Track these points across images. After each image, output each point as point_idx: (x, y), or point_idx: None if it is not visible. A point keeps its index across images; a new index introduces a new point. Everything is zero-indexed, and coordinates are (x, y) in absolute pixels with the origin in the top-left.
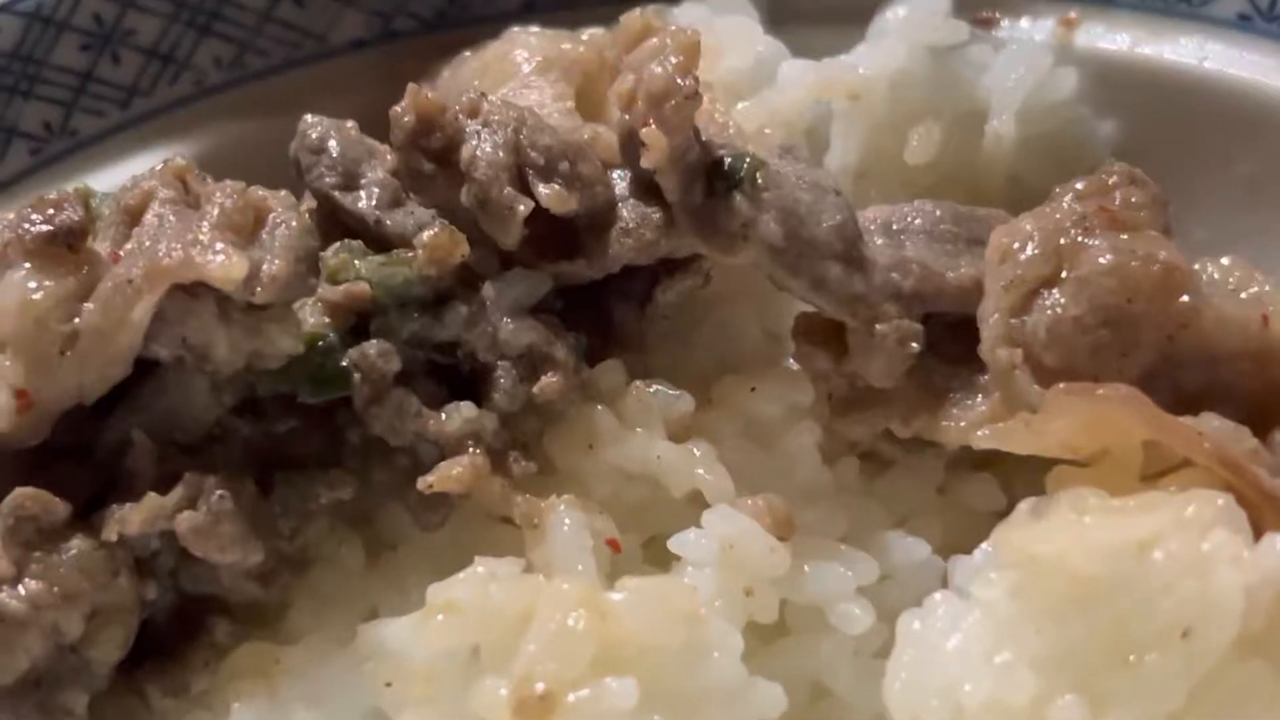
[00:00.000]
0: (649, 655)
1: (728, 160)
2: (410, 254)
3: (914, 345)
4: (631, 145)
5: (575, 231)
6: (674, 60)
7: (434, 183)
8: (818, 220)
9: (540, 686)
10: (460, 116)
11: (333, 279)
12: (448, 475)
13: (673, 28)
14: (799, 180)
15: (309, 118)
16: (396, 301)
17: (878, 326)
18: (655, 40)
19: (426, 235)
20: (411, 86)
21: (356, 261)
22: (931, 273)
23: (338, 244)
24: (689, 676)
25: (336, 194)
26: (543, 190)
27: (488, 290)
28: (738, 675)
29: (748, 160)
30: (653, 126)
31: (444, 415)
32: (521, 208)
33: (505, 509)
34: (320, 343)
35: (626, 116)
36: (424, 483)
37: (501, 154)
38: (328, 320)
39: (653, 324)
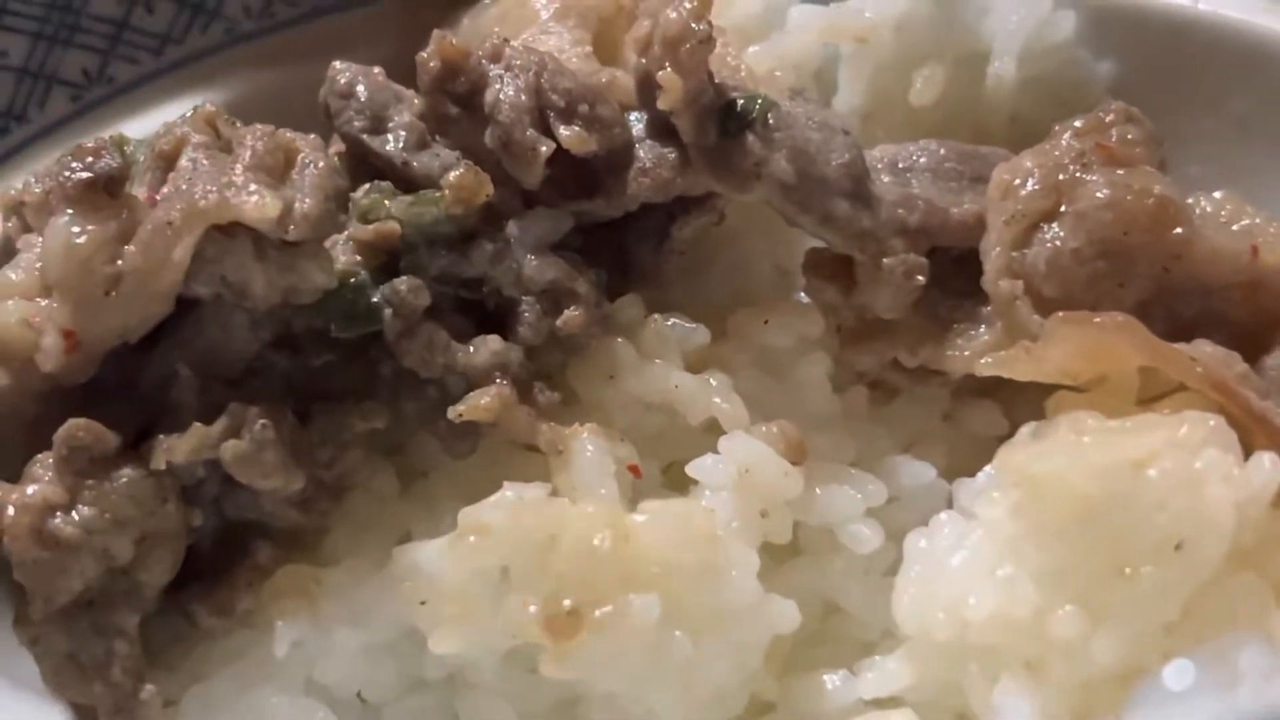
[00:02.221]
0: (670, 574)
1: (740, 101)
2: (437, 194)
3: (919, 278)
4: (648, 88)
5: (594, 171)
6: (688, 6)
7: (459, 125)
8: (827, 159)
9: (568, 603)
10: (483, 61)
11: (363, 218)
12: (476, 404)
13: None
14: (809, 120)
15: (337, 64)
16: (425, 239)
17: (885, 260)
18: None
19: (453, 175)
20: (437, 33)
21: (386, 201)
22: (936, 208)
23: (368, 185)
24: (708, 594)
25: (365, 137)
26: (563, 132)
27: (511, 228)
28: (754, 592)
29: (759, 101)
30: (669, 70)
31: (471, 348)
32: (543, 149)
33: (531, 437)
34: (352, 279)
35: (643, 60)
36: (454, 412)
37: (523, 97)
38: (359, 258)
39: (669, 260)
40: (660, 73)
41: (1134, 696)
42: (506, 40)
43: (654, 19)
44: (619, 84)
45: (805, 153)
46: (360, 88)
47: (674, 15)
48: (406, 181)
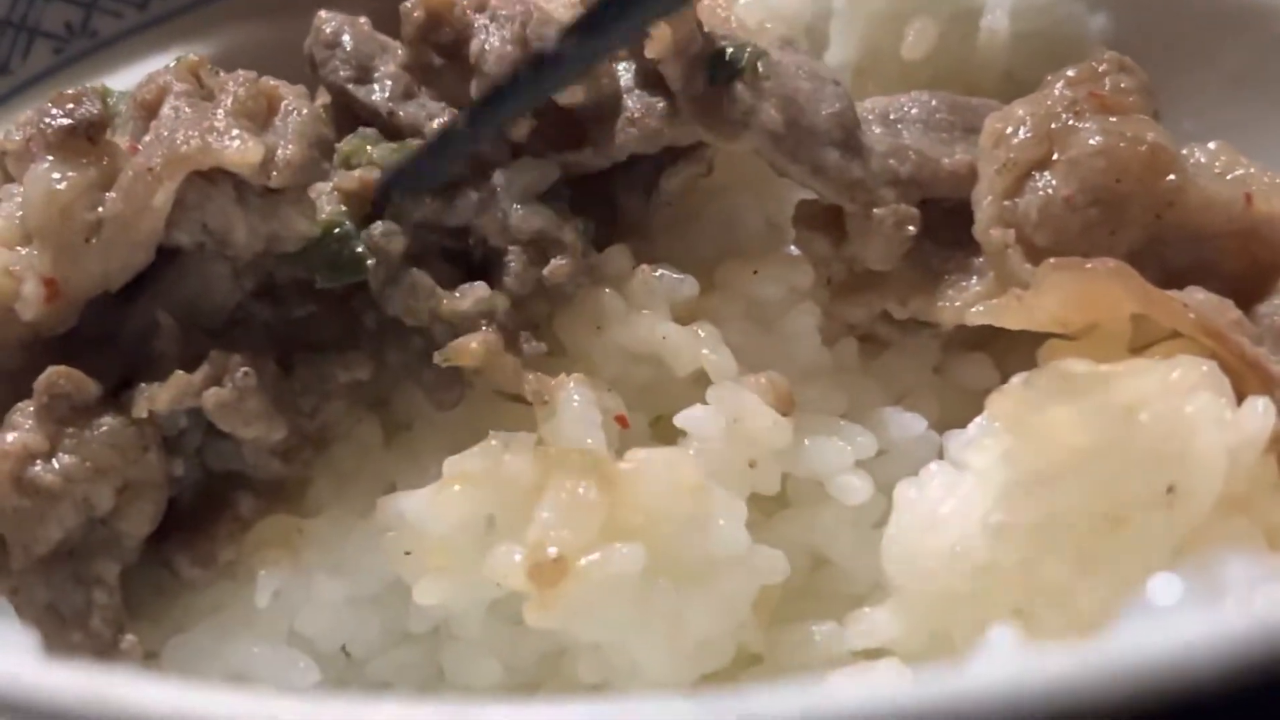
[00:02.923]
0: (656, 523)
1: (729, 50)
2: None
3: (911, 228)
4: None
5: (582, 122)
6: None
7: (444, 76)
8: (817, 108)
9: (553, 551)
10: (468, 11)
11: (346, 165)
12: (463, 349)
13: None
14: (799, 70)
15: (323, 14)
16: None
17: (875, 211)
18: None
19: (436, 123)
20: None
21: (369, 147)
22: (927, 159)
23: (352, 134)
24: (694, 543)
25: (350, 87)
26: None
27: (498, 178)
28: (742, 542)
29: (749, 50)
30: None
31: (457, 294)
32: None
33: (517, 385)
34: (336, 229)
35: None
36: (440, 356)
37: (509, 48)
38: (344, 208)
39: (658, 211)
40: None
41: (1119, 613)
42: None
43: None
44: None
45: (795, 102)
46: (345, 37)
47: None
48: (392, 131)
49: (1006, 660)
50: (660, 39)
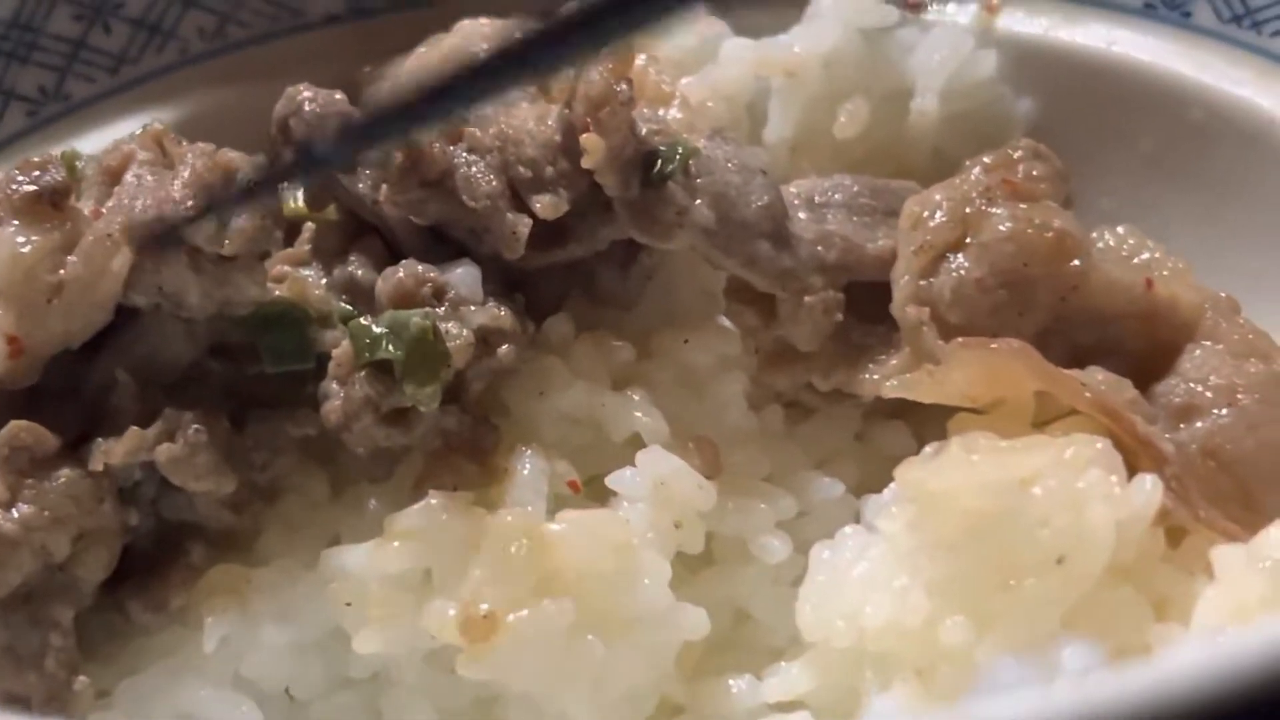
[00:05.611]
0: (584, 581)
1: (662, 151)
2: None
3: (838, 315)
4: (572, 137)
5: (562, 219)
6: (609, 66)
7: (430, 205)
8: (747, 202)
9: (484, 607)
10: (447, 147)
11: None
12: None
13: None
14: (728, 163)
15: (305, 92)
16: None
17: (806, 299)
18: None
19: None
20: None
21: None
22: (853, 245)
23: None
24: (621, 601)
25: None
26: (537, 205)
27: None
28: (666, 600)
29: (680, 150)
30: (591, 132)
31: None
32: (523, 229)
33: (485, 480)
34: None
35: (566, 111)
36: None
37: (494, 182)
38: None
39: (642, 283)
40: (584, 135)
41: (968, 690)
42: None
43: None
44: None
45: (726, 197)
46: (330, 122)
47: (595, 77)
48: (374, 218)
49: None
50: (594, 150)
